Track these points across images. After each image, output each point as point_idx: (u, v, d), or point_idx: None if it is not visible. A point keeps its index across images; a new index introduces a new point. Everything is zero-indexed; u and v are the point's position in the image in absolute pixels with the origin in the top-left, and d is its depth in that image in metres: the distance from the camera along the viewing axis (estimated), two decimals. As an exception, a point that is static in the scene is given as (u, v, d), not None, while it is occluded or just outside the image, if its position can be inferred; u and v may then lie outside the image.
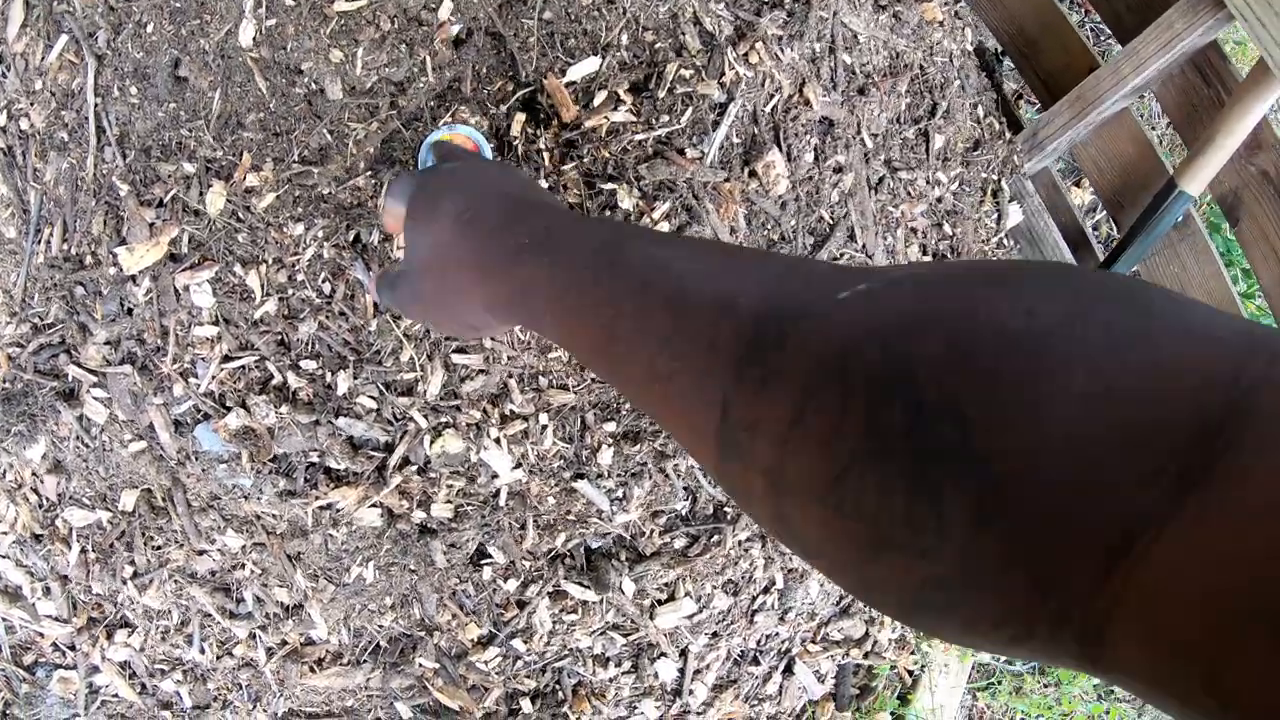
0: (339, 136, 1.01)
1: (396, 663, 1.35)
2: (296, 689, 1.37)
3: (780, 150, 1.09)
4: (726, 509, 1.41)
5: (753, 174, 1.08)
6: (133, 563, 1.27)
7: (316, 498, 1.15)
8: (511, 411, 1.18)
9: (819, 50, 1.13)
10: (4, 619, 1.39)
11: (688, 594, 1.42)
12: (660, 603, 1.40)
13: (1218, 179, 1.38)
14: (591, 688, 1.42)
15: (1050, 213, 1.61)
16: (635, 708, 1.46)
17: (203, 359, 1.07)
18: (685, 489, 1.35)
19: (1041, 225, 1.56)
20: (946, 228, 1.47)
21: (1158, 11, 1.31)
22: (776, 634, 1.59)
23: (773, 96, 1.09)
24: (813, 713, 1.74)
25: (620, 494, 1.28)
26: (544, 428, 1.20)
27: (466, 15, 0.98)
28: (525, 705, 1.41)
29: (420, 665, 1.35)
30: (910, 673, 2.03)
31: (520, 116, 1.06)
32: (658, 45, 1.03)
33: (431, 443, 1.13)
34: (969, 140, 1.45)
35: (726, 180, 1.06)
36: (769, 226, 1.13)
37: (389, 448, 1.13)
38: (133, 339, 1.09)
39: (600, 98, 1.01)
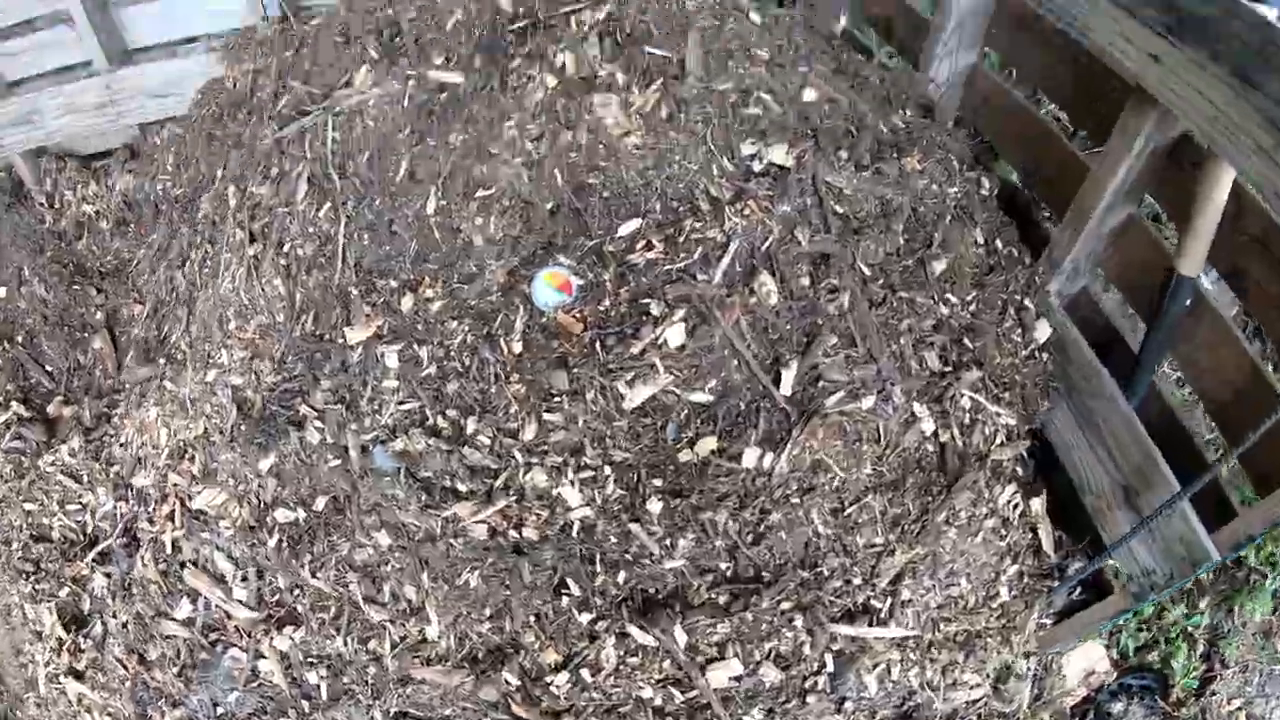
0: (480, 269, 1.83)
1: (487, 672, 1.96)
2: (409, 687, 2.02)
3: (773, 275, 1.73)
4: (764, 573, 1.91)
5: (751, 291, 1.72)
6: (312, 551, 2.05)
7: (444, 510, 1.86)
8: (584, 462, 1.83)
9: (808, 203, 1.78)
10: (206, 597, 2.19)
11: (736, 655, 1.89)
12: (711, 660, 1.89)
13: (1215, 254, 1.74)
14: (653, 744, 1.90)
15: (1086, 326, 2.02)
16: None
17: (386, 401, 1.87)
18: (727, 549, 1.88)
19: (1070, 337, 2.00)
20: (967, 341, 1.97)
21: (1115, 110, 1.77)
22: (833, 725, 1.98)
23: (767, 238, 1.74)
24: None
25: (668, 542, 1.85)
26: (608, 477, 1.83)
27: (555, 198, 1.79)
28: (594, 752, 1.92)
29: (506, 681, 1.94)
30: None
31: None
32: (680, 209, 1.75)
33: (525, 474, 1.81)
34: (980, 266, 1.97)
35: (729, 295, 1.71)
36: (768, 328, 1.75)
37: (496, 474, 1.83)
38: (345, 388, 1.93)
39: (640, 244, 1.73)
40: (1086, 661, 2.36)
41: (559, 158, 1.83)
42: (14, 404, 3.31)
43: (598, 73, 1.84)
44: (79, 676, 2.41)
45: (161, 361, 2.58)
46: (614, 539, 1.89)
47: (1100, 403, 1.90)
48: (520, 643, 1.98)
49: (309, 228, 2.03)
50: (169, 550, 2.34)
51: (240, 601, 2.18)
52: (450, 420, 1.87)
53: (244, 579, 2.19)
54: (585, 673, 1.92)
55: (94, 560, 2.52)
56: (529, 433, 1.84)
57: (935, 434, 1.98)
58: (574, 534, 1.88)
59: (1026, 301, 2.05)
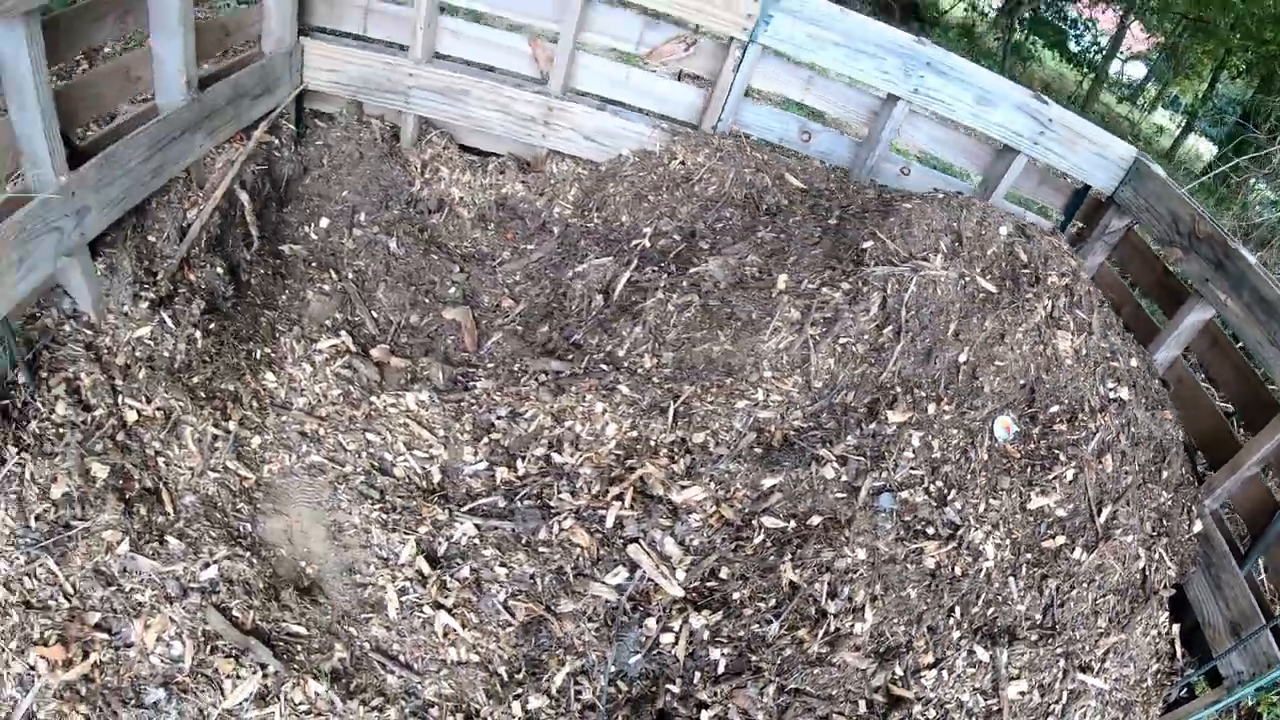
0: (981, 405, 3.62)
1: (889, 662, 3.58)
2: (818, 669, 3.55)
3: (1111, 456, 3.76)
4: (1056, 627, 3.80)
5: (1100, 461, 3.72)
6: (794, 554, 3.54)
7: (911, 545, 3.52)
8: (998, 532, 3.62)
9: (1127, 422, 3.85)
10: (644, 570, 3.57)
11: (1024, 677, 3.71)
12: (1010, 679, 3.70)
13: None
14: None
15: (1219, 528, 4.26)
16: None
17: (901, 465, 3.52)
18: (1042, 607, 3.76)
19: (1214, 535, 4.18)
20: (1165, 522, 4.10)
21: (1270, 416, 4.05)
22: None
23: (1109, 434, 3.78)
24: None
25: (1031, 595, 3.68)
26: (1000, 544, 3.64)
27: (1026, 379, 3.69)
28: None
29: (894, 672, 3.59)
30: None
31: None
32: (1078, 407, 3.74)
33: (973, 532, 3.56)
34: (1178, 481, 4.16)
35: (1098, 461, 3.69)
36: (1100, 483, 3.74)
37: (956, 529, 3.55)
38: (870, 447, 3.54)
39: (1058, 420, 3.67)
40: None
41: (1037, 358, 3.70)
42: (343, 333, 4.29)
43: (1063, 317, 3.77)
44: (447, 611, 3.28)
45: (611, 370, 3.90)
46: (997, 584, 3.65)
47: (1228, 576, 4.06)
48: (913, 645, 3.61)
49: (864, 334, 3.63)
50: (608, 524, 3.62)
51: (677, 581, 3.50)
52: (938, 489, 3.54)
53: (694, 564, 3.56)
54: (944, 673, 3.61)
55: (466, 511, 3.58)
56: (982, 507, 3.57)
57: (1143, 569, 4.03)
58: (982, 576, 3.61)
59: (1193, 507, 4.23)
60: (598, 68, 4.59)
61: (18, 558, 2.87)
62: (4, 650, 2.71)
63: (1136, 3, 16.24)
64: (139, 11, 3.68)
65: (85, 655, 2.78)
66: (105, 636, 2.83)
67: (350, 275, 4.74)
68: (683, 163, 4.34)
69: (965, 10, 18.98)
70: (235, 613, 3.06)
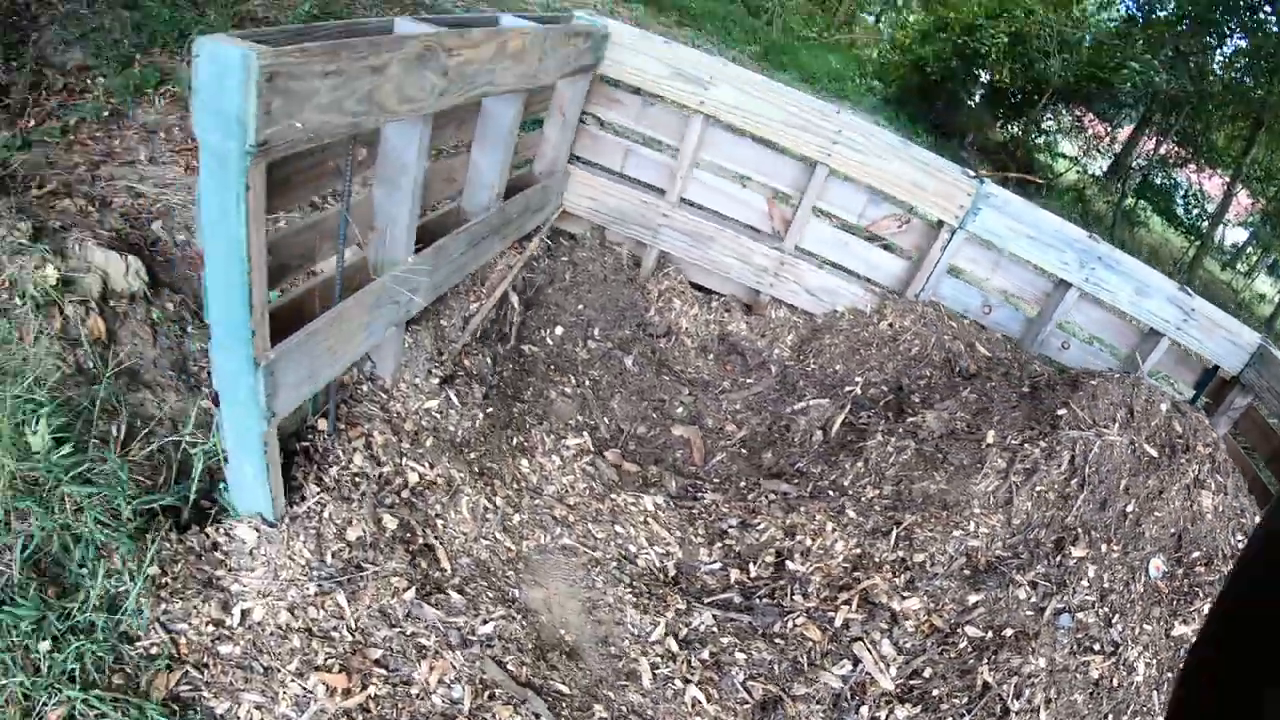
0: (1141, 554, 4.86)
1: None
2: None
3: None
4: None
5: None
6: (991, 659, 4.71)
7: (1080, 659, 4.70)
8: (1149, 652, 4.81)
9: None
10: (864, 665, 4.76)
11: None
12: None
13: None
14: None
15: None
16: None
17: (1079, 590, 4.73)
18: None
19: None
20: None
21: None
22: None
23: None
24: None
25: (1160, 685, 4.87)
26: (1148, 664, 4.83)
27: (1176, 531, 4.94)
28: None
29: None
30: None
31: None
32: (1197, 551, 4.97)
33: (1128, 652, 4.75)
34: None
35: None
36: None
37: (1117, 647, 4.74)
38: (1054, 576, 4.74)
39: (1196, 560, 4.89)
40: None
41: (1186, 512, 4.94)
42: (585, 433, 5.47)
43: (1206, 480, 5.04)
44: (695, 685, 3.88)
45: (837, 496, 5.11)
46: (1143, 697, 4.81)
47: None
48: (1068, 735, 4.74)
49: (1055, 484, 4.83)
50: (836, 624, 4.79)
51: (890, 676, 4.69)
52: (1104, 613, 4.71)
53: (905, 663, 4.74)
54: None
55: (707, 604, 4.54)
56: (1138, 630, 4.75)
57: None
58: (1133, 689, 4.77)
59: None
60: (821, 232, 5.89)
61: (309, 587, 3.24)
62: (281, 670, 3.02)
63: (1244, 170, 17.74)
64: (471, 124, 4.61)
65: (363, 687, 3.09)
66: (384, 672, 3.19)
67: (587, 382, 5.87)
68: (891, 324, 5.59)
69: (1077, 174, 20.47)
70: (509, 666, 3.48)
